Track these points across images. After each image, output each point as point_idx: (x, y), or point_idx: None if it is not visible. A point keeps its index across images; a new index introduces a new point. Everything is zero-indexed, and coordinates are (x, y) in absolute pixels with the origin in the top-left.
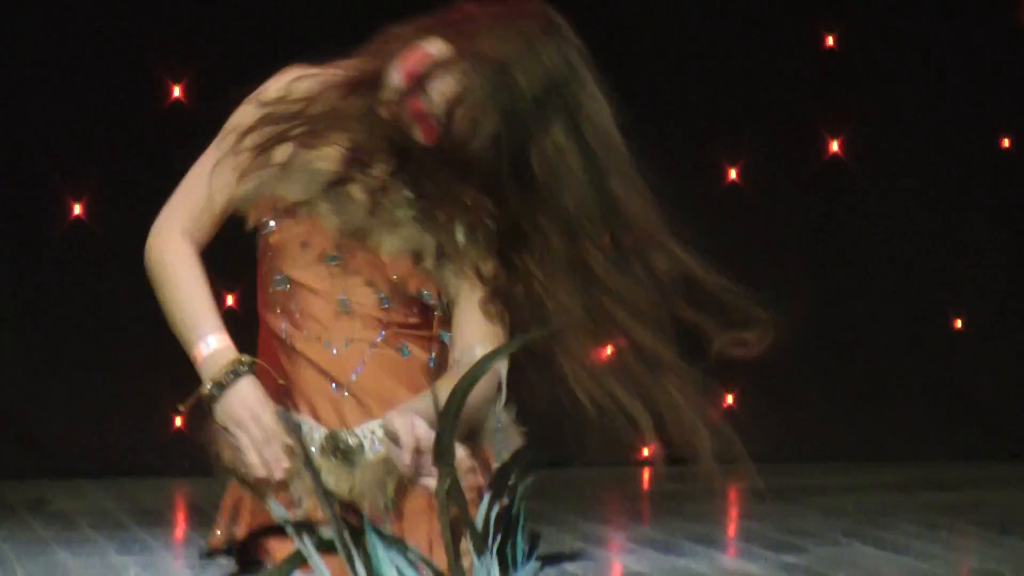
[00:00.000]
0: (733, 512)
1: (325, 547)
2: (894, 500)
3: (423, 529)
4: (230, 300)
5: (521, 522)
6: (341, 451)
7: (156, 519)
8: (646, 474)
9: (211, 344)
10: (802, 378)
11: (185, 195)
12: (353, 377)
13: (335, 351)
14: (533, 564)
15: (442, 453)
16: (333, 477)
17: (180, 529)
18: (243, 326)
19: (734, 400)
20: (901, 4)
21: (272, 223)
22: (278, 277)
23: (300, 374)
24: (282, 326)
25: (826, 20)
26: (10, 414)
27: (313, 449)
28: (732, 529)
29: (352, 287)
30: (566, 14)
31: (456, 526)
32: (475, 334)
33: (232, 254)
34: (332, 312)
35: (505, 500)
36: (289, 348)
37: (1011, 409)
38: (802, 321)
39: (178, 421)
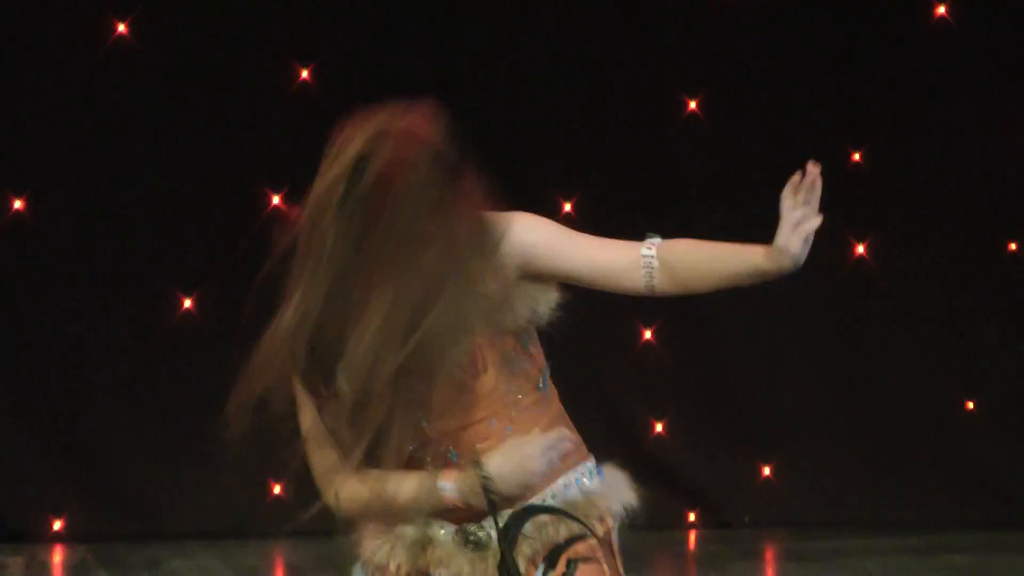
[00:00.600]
0: (769, 572)
1: None
2: (915, 563)
3: None
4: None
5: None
6: (471, 542)
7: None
8: (692, 536)
9: (445, 487)
10: (832, 453)
11: (317, 448)
12: None
13: None
14: None
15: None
16: (468, 567)
17: None
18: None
19: (771, 472)
20: (920, 127)
21: None
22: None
23: None
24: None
25: (851, 140)
26: (128, 483)
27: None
28: None
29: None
30: None
31: None
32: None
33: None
34: None
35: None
36: None
37: (1019, 482)
38: (834, 405)
39: (277, 488)
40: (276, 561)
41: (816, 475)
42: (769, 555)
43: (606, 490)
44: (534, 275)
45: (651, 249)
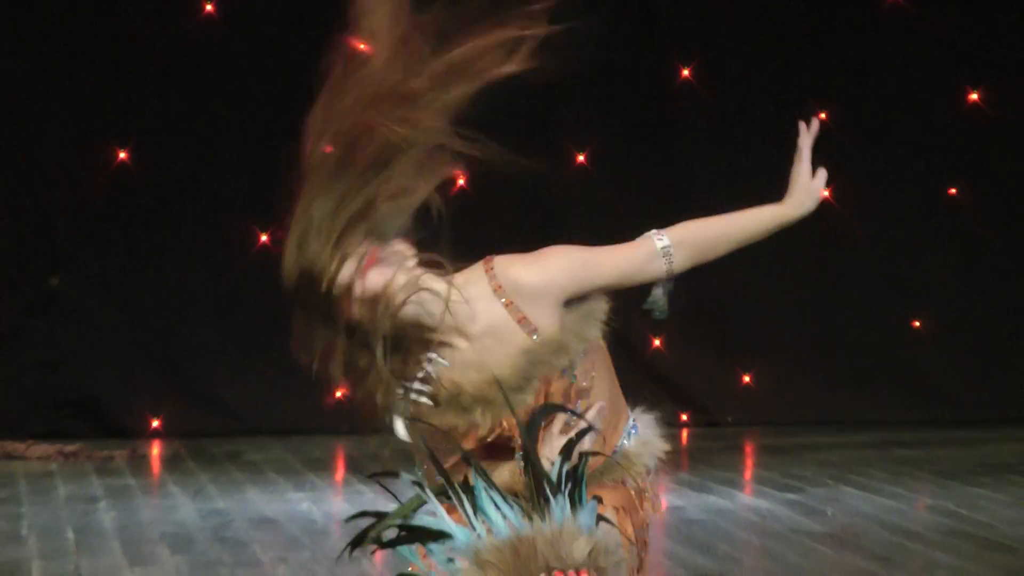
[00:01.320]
0: (749, 463)
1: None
2: (869, 455)
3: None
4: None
5: (584, 477)
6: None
7: (322, 466)
8: (684, 433)
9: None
10: (801, 364)
11: None
12: None
13: None
14: (593, 503)
15: (529, 456)
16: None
17: (339, 474)
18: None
19: (750, 379)
20: (876, 92)
21: None
22: None
23: None
24: None
25: (818, 101)
26: (214, 388)
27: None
28: (748, 475)
29: None
30: None
31: (539, 482)
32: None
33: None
34: None
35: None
36: None
37: (955, 388)
38: (803, 324)
39: (338, 394)
40: (336, 454)
41: (788, 382)
42: (748, 449)
43: (640, 448)
44: (577, 296)
45: (663, 238)
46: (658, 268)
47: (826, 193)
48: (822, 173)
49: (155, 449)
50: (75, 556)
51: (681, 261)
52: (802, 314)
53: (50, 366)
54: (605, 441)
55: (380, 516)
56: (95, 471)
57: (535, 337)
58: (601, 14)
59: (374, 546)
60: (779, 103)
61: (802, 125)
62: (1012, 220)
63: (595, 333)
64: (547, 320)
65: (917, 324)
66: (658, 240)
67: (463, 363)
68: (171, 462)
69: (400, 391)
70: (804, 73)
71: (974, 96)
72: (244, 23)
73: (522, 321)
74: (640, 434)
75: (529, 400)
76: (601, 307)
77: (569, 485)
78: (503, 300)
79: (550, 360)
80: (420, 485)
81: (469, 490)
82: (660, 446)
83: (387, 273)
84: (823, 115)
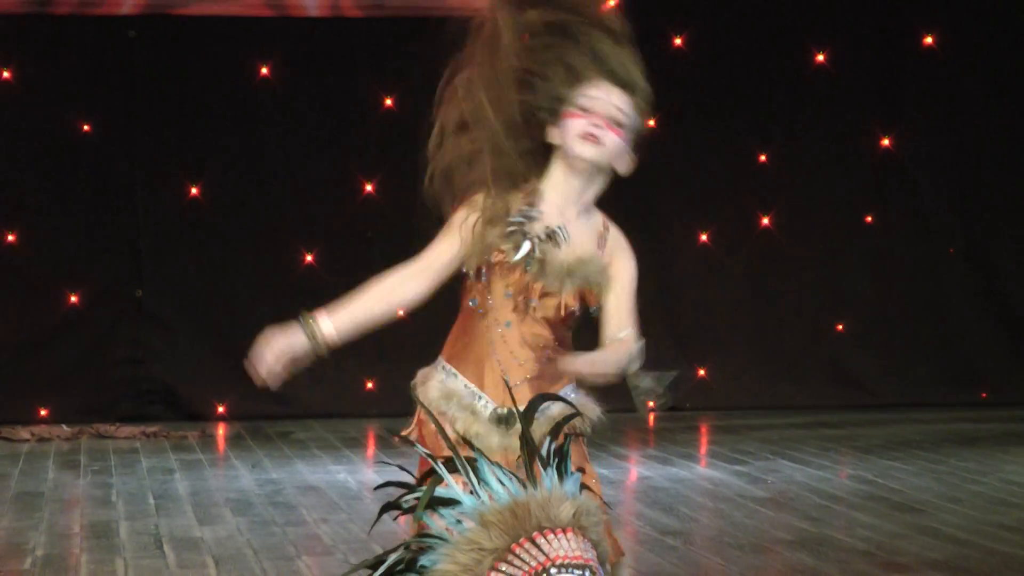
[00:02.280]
0: (704, 440)
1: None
2: (801, 434)
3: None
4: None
5: (568, 453)
6: (501, 421)
7: (356, 444)
8: (651, 417)
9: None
10: (745, 359)
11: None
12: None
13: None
14: (577, 475)
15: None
16: (497, 439)
17: (370, 450)
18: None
19: (705, 372)
20: (804, 137)
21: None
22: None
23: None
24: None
25: (758, 144)
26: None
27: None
28: (703, 450)
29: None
30: None
31: (532, 458)
32: (621, 323)
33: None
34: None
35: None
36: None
37: (871, 378)
38: (748, 326)
39: (369, 384)
40: (368, 434)
41: (735, 374)
42: (703, 429)
43: (586, 404)
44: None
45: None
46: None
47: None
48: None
49: (220, 430)
50: (155, 517)
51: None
52: (747, 319)
53: (135, 362)
54: (553, 380)
55: (403, 486)
56: (171, 448)
57: (601, 255)
58: None
59: (397, 512)
60: (727, 144)
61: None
62: (917, 241)
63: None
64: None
65: (840, 327)
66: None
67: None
68: (233, 440)
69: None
70: (747, 121)
71: (885, 142)
72: (292, 84)
73: (602, 246)
74: (581, 396)
75: (571, 289)
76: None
77: (556, 460)
78: (599, 230)
79: (597, 279)
80: (432, 458)
81: (473, 463)
82: (597, 410)
83: None
84: (763, 157)
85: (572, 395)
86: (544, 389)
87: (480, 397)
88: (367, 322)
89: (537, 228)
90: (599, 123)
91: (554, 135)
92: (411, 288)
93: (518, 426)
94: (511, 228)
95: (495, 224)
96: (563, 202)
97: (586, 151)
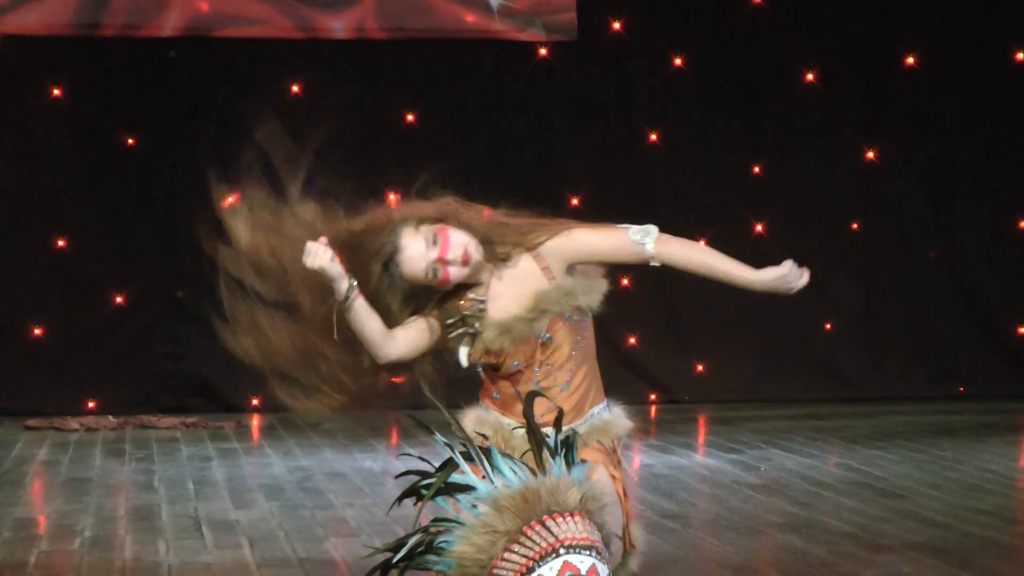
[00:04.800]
0: (701, 431)
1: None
2: (792, 425)
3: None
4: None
5: (574, 445)
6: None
7: (380, 433)
8: (652, 409)
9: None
10: (740, 356)
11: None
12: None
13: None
14: (583, 465)
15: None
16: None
17: (393, 439)
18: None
19: (703, 368)
20: (794, 152)
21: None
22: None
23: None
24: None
25: (752, 157)
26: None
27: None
28: (701, 440)
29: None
30: None
31: (541, 449)
32: (618, 236)
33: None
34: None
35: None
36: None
37: (856, 374)
38: (743, 326)
39: (392, 378)
40: (391, 424)
41: (731, 370)
42: (701, 420)
43: (614, 420)
44: (578, 264)
45: (651, 232)
46: (638, 252)
47: (801, 284)
48: (797, 277)
49: (254, 420)
50: (194, 501)
51: (658, 253)
52: (742, 318)
53: (176, 358)
54: (580, 409)
55: (422, 475)
56: (209, 437)
57: (551, 283)
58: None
59: (414, 498)
60: (723, 157)
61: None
62: (898, 247)
63: (595, 299)
64: (560, 273)
65: (828, 326)
66: (645, 233)
67: (500, 300)
68: (266, 430)
69: (458, 326)
70: (741, 135)
71: (870, 155)
72: (320, 100)
73: (544, 270)
74: (613, 412)
75: (542, 328)
76: (603, 284)
77: (563, 450)
78: (533, 255)
79: (559, 300)
80: (450, 447)
81: (487, 453)
82: (627, 424)
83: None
84: (757, 168)
85: (606, 412)
86: (581, 405)
87: (511, 425)
88: (366, 334)
89: (469, 316)
90: (435, 257)
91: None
92: (394, 346)
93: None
94: (452, 335)
95: (446, 341)
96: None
97: (453, 279)
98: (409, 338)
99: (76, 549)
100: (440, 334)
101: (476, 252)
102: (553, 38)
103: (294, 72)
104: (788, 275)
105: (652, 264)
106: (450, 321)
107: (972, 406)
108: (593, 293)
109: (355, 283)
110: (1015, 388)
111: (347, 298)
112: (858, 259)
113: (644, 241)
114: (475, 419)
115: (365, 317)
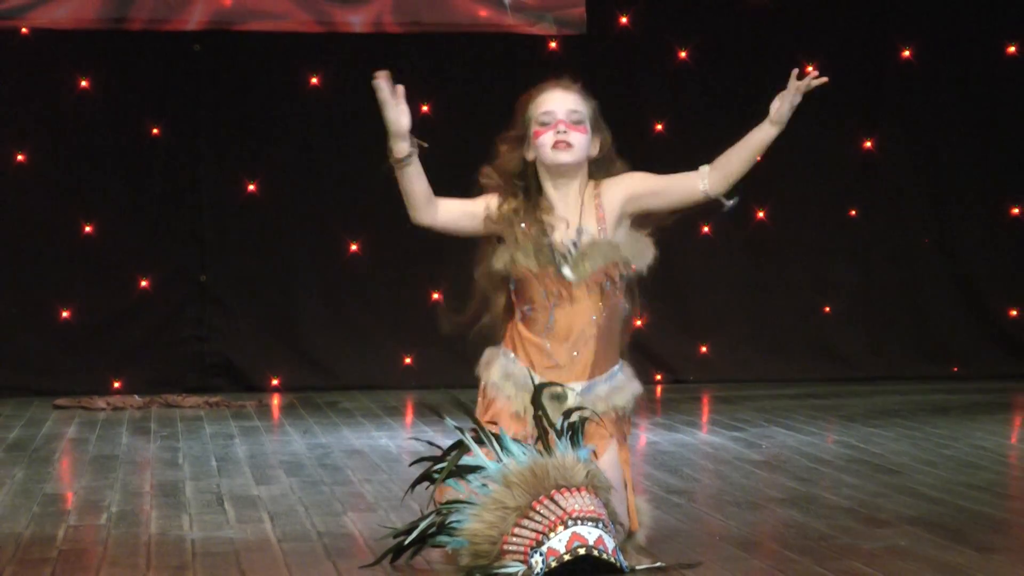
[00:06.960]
0: (705, 409)
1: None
2: (792, 404)
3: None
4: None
5: (581, 429)
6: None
7: (396, 412)
8: (658, 389)
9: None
10: (742, 337)
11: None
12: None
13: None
14: (589, 448)
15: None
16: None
17: (409, 418)
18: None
19: (706, 349)
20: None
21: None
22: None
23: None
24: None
25: None
26: (318, 355)
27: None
28: (705, 418)
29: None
30: None
31: (547, 434)
32: (682, 178)
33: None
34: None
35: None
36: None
37: (854, 354)
38: (745, 308)
39: (408, 359)
40: (407, 403)
41: (733, 350)
42: (705, 399)
43: (620, 387)
44: (637, 210)
45: (704, 168)
46: (692, 183)
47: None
48: (793, 91)
49: (275, 400)
50: (217, 477)
51: (710, 178)
52: (745, 301)
53: (199, 339)
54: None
55: (434, 460)
56: (232, 416)
57: (604, 232)
58: None
59: (428, 482)
60: (725, 145)
61: (801, 76)
62: (895, 233)
63: (644, 257)
64: (613, 215)
65: (827, 309)
66: (701, 169)
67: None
68: (287, 409)
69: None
70: (743, 124)
71: (868, 144)
72: (339, 92)
73: (598, 206)
74: (623, 374)
75: (591, 270)
76: (651, 246)
77: (570, 433)
78: (595, 203)
79: (607, 253)
80: (460, 430)
81: (496, 435)
82: (637, 387)
83: None
84: (759, 158)
85: (620, 373)
86: (599, 361)
87: (534, 379)
88: (413, 192)
89: (559, 242)
90: (563, 128)
91: (531, 153)
92: (432, 212)
93: (568, 399)
94: (541, 250)
95: (526, 248)
96: (564, 204)
97: (560, 157)
98: (450, 210)
99: (103, 524)
100: (481, 227)
101: (587, 150)
102: (563, 32)
103: (314, 65)
104: (785, 103)
105: (704, 195)
106: (544, 242)
107: (966, 386)
108: (639, 248)
109: (415, 149)
110: (1007, 368)
111: (407, 158)
112: (856, 245)
113: (700, 168)
114: (500, 373)
115: (416, 178)
